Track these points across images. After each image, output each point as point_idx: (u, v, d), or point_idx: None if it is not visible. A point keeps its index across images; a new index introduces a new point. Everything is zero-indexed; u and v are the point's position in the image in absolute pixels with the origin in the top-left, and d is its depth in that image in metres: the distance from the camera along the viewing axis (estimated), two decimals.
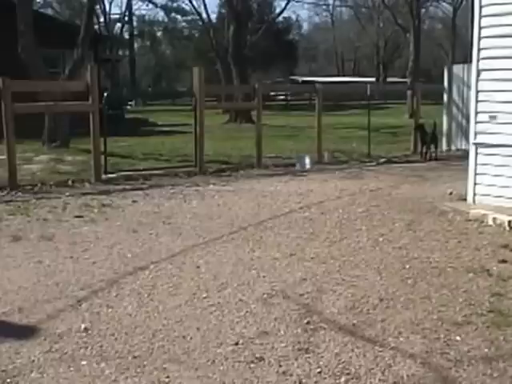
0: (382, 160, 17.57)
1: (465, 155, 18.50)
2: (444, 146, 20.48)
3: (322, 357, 4.98)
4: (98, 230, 9.44)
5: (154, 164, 16.80)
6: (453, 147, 20.36)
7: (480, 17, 10.82)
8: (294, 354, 5.04)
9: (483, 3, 10.70)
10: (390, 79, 69.46)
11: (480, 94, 10.91)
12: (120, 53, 66.16)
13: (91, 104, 13.90)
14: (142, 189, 13.18)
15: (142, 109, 40.29)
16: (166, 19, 72.79)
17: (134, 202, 11.69)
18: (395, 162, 17.49)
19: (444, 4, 69.28)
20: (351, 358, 4.95)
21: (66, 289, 6.70)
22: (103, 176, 14.13)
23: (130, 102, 36.80)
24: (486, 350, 5.10)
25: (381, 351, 5.08)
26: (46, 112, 18.84)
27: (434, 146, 18.35)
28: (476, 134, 11.01)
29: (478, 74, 10.90)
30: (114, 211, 10.80)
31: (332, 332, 5.49)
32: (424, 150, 18.34)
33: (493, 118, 10.74)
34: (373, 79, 66.12)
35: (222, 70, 42.14)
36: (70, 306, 6.21)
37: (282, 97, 61.59)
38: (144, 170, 15.43)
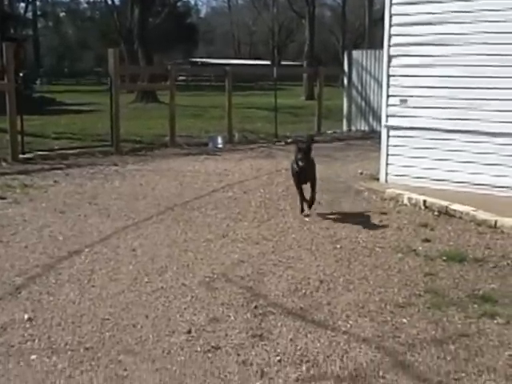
0: (290, 140, 17.34)
1: (364, 136, 18.72)
2: (344, 127, 20.51)
3: (278, 343, 4.67)
4: (24, 211, 8.83)
5: (67, 143, 16.06)
6: (353, 128, 20.40)
7: (391, 4, 10.69)
8: (249, 342, 4.70)
9: None
10: (283, 62, 69.53)
11: (391, 78, 10.81)
12: (23, 33, 63.62)
13: (7, 83, 13.09)
14: (61, 168, 12.53)
15: (47, 88, 38.77)
16: (68, 0, 70.65)
17: (55, 182, 11.07)
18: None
19: None
20: (307, 345, 4.66)
21: (1, 275, 6.14)
22: (20, 155, 13.35)
23: (36, 82, 35.31)
24: (434, 332, 4.90)
25: (334, 336, 4.81)
26: None
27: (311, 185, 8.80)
28: (387, 116, 10.91)
29: (389, 60, 10.78)
30: (37, 192, 10.17)
31: (282, 316, 5.18)
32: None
33: (403, 101, 10.66)
34: (268, 62, 66.06)
35: (126, 50, 41.02)
36: (9, 294, 5.68)
37: (182, 77, 60.67)
38: (61, 149, 14.72)
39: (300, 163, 8.32)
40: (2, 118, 13.72)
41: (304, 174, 8.47)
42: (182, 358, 4.46)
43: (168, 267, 6.44)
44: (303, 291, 5.77)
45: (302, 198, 8.65)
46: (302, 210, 8.68)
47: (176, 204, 9.33)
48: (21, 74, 14.06)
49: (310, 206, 8.69)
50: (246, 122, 21.81)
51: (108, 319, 5.13)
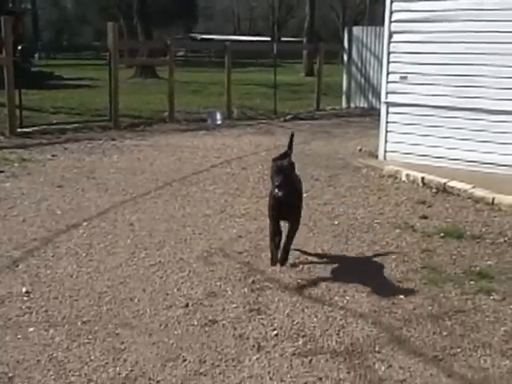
0: (289, 116, 17.31)
1: (363, 113, 18.66)
2: (344, 104, 20.43)
3: (275, 318, 4.67)
4: (22, 185, 8.80)
5: (66, 118, 15.96)
6: (352, 105, 20.32)
7: None
8: (246, 316, 4.70)
9: None
10: (283, 39, 69.12)
11: (391, 55, 10.74)
12: (22, 6, 63.11)
13: (5, 57, 12.99)
14: (59, 143, 12.48)
15: (46, 62, 38.52)
16: None
17: (53, 156, 11.03)
18: (301, 119, 17.25)
19: None
20: (303, 319, 4.66)
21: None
22: (18, 129, 13.29)
23: (35, 56, 35.07)
24: (430, 307, 4.91)
25: (331, 311, 4.81)
26: None
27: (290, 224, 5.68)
28: (387, 93, 10.85)
29: (390, 36, 10.70)
30: (35, 166, 10.14)
31: (279, 291, 5.18)
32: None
33: (403, 78, 10.60)
34: (268, 39, 65.67)
35: (125, 25, 40.75)
36: (6, 267, 5.67)
37: (181, 53, 60.33)
38: (59, 123, 14.64)
39: (279, 192, 5.18)
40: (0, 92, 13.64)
41: (285, 206, 5.34)
42: (179, 331, 4.46)
43: (166, 242, 6.43)
44: (300, 267, 5.77)
45: (275, 243, 5.41)
46: (274, 262, 5.40)
47: (174, 179, 9.31)
48: (19, 48, 13.93)
49: (282, 262, 5.42)
50: (245, 98, 21.71)
51: (105, 293, 5.12)
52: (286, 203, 5.31)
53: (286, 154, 5.74)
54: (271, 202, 5.47)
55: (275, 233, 5.43)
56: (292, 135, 6.13)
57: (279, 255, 5.38)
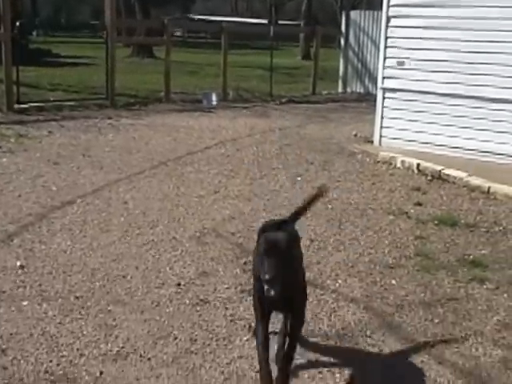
0: (285, 99, 17.25)
1: (360, 98, 18.61)
2: (340, 89, 20.38)
3: None
4: (18, 161, 8.78)
5: (63, 95, 15.85)
6: (348, 90, 20.26)
7: None
8: (237, 297, 4.71)
9: None
10: (281, 22, 68.73)
11: (389, 40, 10.69)
12: None
13: (3, 33, 12.90)
14: (55, 120, 12.41)
15: (44, 39, 38.26)
16: None
17: (50, 133, 10.98)
18: (297, 102, 17.20)
19: None
20: None
21: None
22: (15, 106, 13.22)
23: (33, 33, 34.86)
24: (422, 294, 4.91)
25: (322, 294, 4.82)
26: None
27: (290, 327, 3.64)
28: (384, 78, 10.81)
29: (388, 21, 10.65)
30: (31, 142, 10.09)
31: None
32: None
33: (400, 63, 10.56)
34: (265, 21, 65.30)
35: (123, 4, 40.48)
36: (1, 241, 5.67)
37: (178, 33, 60.02)
38: (56, 101, 14.55)
39: (271, 291, 3.17)
40: None
41: (278, 298, 3.24)
42: (171, 309, 4.47)
43: (159, 221, 6.42)
44: None
45: (266, 357, 3.36)
46: (268, 380, 3.33)
47: (169, 159, 9.28)
48: (17, 24, 13.82)
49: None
50: (241, 80, 21.54)
51: (98, 269, 5.12)
52: (282, 293, 3.20)
53: (285, 222, 3.83)
54: (257, 296, 3.43)
55: (265, 337, 3.39)
56: (318, 194, 4.37)
57: (276, 372, 3.38)
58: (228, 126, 12.66)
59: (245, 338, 4.09)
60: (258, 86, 20.15)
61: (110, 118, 12.89)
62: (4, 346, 3.87)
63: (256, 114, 14.59)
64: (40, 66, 22.23)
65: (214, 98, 16.09)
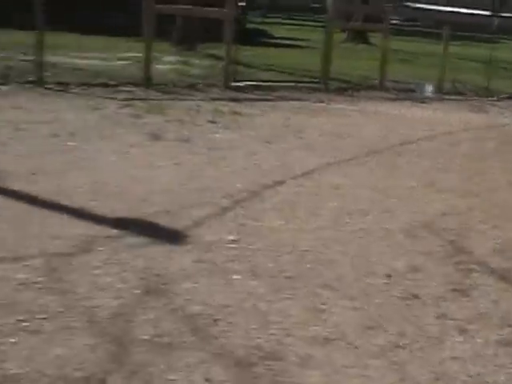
0: (504, 95, 16.47)
1: None
2: None
3: (480, 303, 4.48)
4: (232, 137, 9.07)
5: (276, 76, 16.17)
6: None
7: None
8: (449, 296, 4.55)
9: None
10: (504, 14, 65.77)
11: None
12: None
13: (228, 12, 13.36)
14: (268, 100, 12.68)
15: (261, 20, 39.27)
16: None
17: (262, 112, 11.24)
18: None
19: None
20: (510, 308, 4.44)
21: (209, 196, 6.34)
22: (232, 83, 13.67)
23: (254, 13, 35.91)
24: None
25: None
26: (184, 15, 18.16)
27: None
28: None
29: None
30: (244, 119, 10.38)
31: (485, 276, 4.97)
32: None
33: None
34: (487, 13, 62.84)
35: None
36: (215, 214, 5.86)
37: (394, 21, 59.24)
38: (269, 81, 14.87)
39: None
40: (216, 45, 14.06)
41: None
42: (380, 300, 4.40)
43: (369, 210, 6.36)
44: (510, 253, 5.49)
45: None
46: None
47: (380, 147, 9.19)
48: (240, 4, 14.26)
49: None
50: (457, 73, 20.90)
51: (308, 251, 5.14)
52: None
53: None
54: None
55: None
56: None
57: None
58: (442, 118, 12.32)
59: (456, 340, 3.94)
60: (473, 79, 19.42)
61: (321, 102, 12.97)
62: (216, 317, 3.98)
63: (472, 109, 14.07)
64: (256, 46, 22.83)
65: (427, 88, 15.74)
